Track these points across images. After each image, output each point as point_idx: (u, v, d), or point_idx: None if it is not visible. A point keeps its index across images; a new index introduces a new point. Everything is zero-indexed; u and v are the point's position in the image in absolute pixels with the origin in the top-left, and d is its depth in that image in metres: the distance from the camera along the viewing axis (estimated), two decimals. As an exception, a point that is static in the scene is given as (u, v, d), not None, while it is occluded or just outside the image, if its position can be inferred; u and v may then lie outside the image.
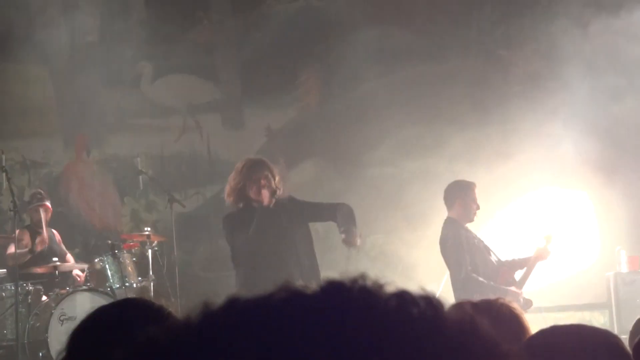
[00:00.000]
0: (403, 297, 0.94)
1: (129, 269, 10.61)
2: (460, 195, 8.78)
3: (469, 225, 8.84)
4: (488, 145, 12.38)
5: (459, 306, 2.43)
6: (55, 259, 10.64)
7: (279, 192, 8.16)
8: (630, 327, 4.09)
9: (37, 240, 10.77)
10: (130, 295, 10.13)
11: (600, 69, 12.27)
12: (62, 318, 9.88)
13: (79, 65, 13.54)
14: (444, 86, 13.02)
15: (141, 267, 10.78)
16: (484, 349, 0.94)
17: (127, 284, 10.44)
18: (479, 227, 9.39)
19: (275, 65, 13.56)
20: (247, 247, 8.05)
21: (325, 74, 13.57)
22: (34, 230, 10.96)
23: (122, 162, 13.39)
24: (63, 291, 10.21)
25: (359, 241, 8.05)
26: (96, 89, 13.45)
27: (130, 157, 12.84)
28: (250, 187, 8.11)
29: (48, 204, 11.03)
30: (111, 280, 10.48)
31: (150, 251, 10.73)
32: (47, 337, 9.81)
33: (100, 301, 9.40)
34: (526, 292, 8.69)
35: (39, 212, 10.92)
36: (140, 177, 12.09)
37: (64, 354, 2.33)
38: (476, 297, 8.11)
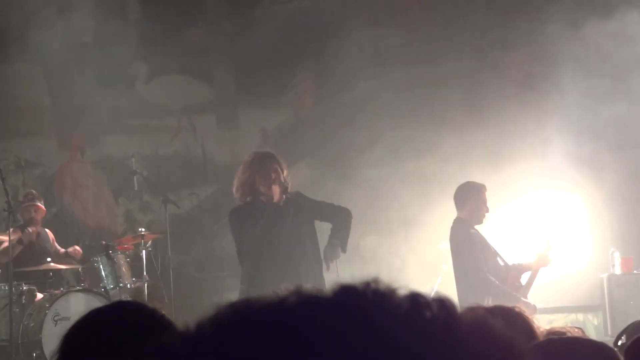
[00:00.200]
0: (416, 300, 0.95)
1: (123, 269, 10.60)
2: (472, 197, 8.78)
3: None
4: (482, 147, 12.39)
5: (471, 309, 2.43)
6: (48, 259, 10.63)
7: (288, 186, 8.15)
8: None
9: (24, 233, 10.75)
10: (125, 295, 10.14)
11: (594, 70, 12.28)
12: (56, 318, 9.87)
13: (73, 65, 13.52)
14: (438, 88, 13.03)
15: (135, 267, 10.78)
16: (499, 350, 0.94)
17: (121, 285, 10.44)
18: (485, 229, 9.40)
19: (270, 66, 13.55)
20: (254, 241, 8.02)
21: (320, 75, 13.57)
22: (26, 229, 10.96)
23: (117, 163, 13.37)
24: (57, 291, 10.20)
25: (337, 256, 8.14)
26: (91, 89, 13.43)
27: (125, 158, 12.83)
28: (260, 181, 8.08)
29: (39, 204, 11.04)
30: (105, 281, 10.48)
31: (144, 252, 10.73)
32: (41, 338, 9.80)
33: (94, 302, 9.41)
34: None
35: (30, 211, 10.96)
36: (135, 177, 12.09)
37: (57, 356, 2.33)
38: (487, 301, 8.15)
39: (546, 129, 12.36)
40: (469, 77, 13.00)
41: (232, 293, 11.01)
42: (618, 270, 11.15)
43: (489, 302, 8.35)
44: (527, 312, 2.93)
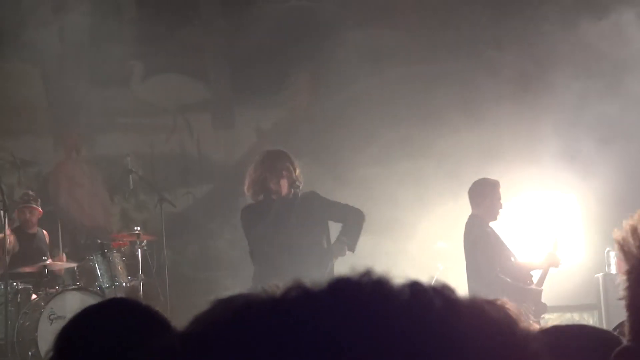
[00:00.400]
0: (415, 287, 0.94)
1: (119, 268, 10.60)
2: (488, 193, 8.78)
3: None
4: (478, 146, 12.40)
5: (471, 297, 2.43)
6: (44, 257, 10.64)
7: (300, 184, 8.13)
8: (619, 328, 4.10)
9: (9, 241, 10.75)
10: (120, 294, 10.13)
11: (589, 70, 12.30)
12: (51, 317, 9.87)
13: (69, 64, 13.51)
14: (434, 87, 13.03)
15: (131, 266, 10.77)
16: (501, 336, 0.94)
17: (116, 284, 10.43)
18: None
19: (266, 65, 13.55)
20: (263, 238, 7.98)
21: (316, 74, 13.57)
22: (22, 231, 10.97)
23: (112, 162, 13.35)
24: (52, 290, 10.20)
25: (343, 254, 8.16)
26: (86, 88, 13.42)
27: (120, 157, 12.80)
28: (271, 179, 8.06)
29: (35, 205, 11.04)
30: (101, 280, 10.47)
31: (139, 251, 10.73)
32: (37, 336, 9.80)
33: (90, 300, 9.39)
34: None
35: (25, 213, 10.98)
36: (130, 176, 12.06)
37: (51, 353, 2.34)
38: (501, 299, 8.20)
39: (541, 128, 12.37)
40: (464, 76, 13.00)
41: (227, 292, 11.00)
42: (614, 270, 11.16)
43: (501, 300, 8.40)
44: (512, 306, 2.91)
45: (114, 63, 13.32)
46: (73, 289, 10.24)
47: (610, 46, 12.11)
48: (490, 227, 8.75)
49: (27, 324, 10.01)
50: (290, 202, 8.06)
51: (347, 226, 8.30)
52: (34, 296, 10.30)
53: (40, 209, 11.11)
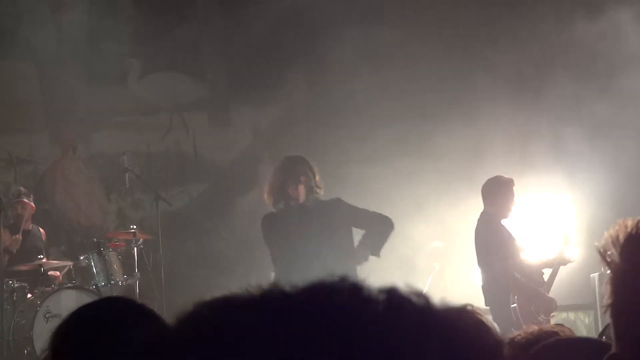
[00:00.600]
0: (391, 294, 0.95)
1: (115, 266, 10.59)
2: (502, 191, 8.79)
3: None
4: (474, 145, 12.41)
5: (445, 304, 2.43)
6: (40, 256, 10.63)
7: (319, 191, 8.05)
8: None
9: (12, 240, 10.73)
10: (116, 293, 10.13)
11: (585, 69, 12.31)
12: (47, 315, 9.86)
13: (65, 61, 13.50)
14: (430, 86, 13.03)
15: (127, 265, 10.77)
16: (474, 342, 0.94)
17: (112, 282, 10.43)
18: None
19: (262, 64, 13.55)
20: (283, 247, 7.90)
21: (312, 72, 13.57)
22: (16, 227, 10.95)
23: (109, 160, 13.35)
24: (48, 289, 10.19)
25: (365, 259, 8.08)
26: (83, 86, 13.42)
27: (117, 155, 12.79)
28: (289, 185, 7.99)
29: (27, 200, 11.00)
30: (97, 278, 10.46)
31: (135, 249, 10.73)
32: (32, 335, 9.79)
33: (86, 299, 9.38)
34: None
35: (17, 208, 10.93)
36: (127, 174, 12.06)
37: (46, 352, 2.34)
38: (513, 296, 8.21)
39: (536, 128, 12.38)
40: (460, 76, 13.01)
41: (222, 291, 10.99)
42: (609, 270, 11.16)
43: (514, 298, 8.44)
44: (483, 312, 2.90)
45: (111, 61, 13.32)
46: (69, 288, 10.22)
47: (605, 45, 12.12)
48: (503, 225, 8.77)
49: (23, 322, 10.00)
50: (310, 208, 7.97)
51: (371, 231, 8.18)
52: (29, 295, 10.29)
53: (32, 204, 11.07)
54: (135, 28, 13.47)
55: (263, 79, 13.52)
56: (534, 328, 2.60)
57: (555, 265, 8.87)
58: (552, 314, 9.02)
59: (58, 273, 10.76)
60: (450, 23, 13.29)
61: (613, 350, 1.76)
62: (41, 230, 11.26)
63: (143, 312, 2.34)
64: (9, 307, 10.07)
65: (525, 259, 8.82)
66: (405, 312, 0.93)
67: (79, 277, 10.57)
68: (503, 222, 8.87)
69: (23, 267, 10.48)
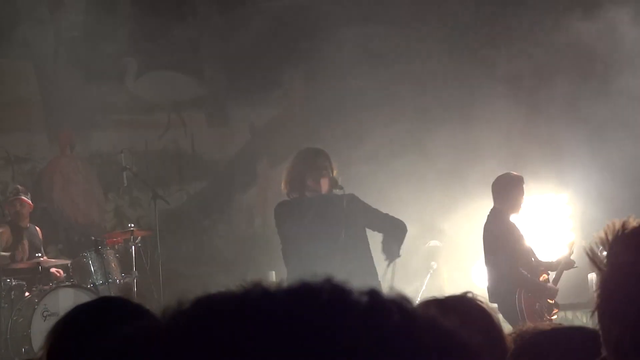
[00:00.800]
0: (373, 297, 0.95)
1: (112, 265, 10.59)
2: (513, 188, 8.83)
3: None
4: (472, 144, 12.41)
5: (425, 305, 2.43)
6: (38, 254, 10.63)
7: (340, 185, 8.01)
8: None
9: (18, 249, 10.74)
10: (113, 291, 10.14)
11: (583, 69, 12.31)
12: (45, 314, 9.86)
13: (63, 60, 13.50)
14: (428, 85, 13.04)
15: (124, 263, 10.77)
16: (454, 349, 0.95)
17: (110, 280, 10.42)
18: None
19: (260, 63, 13.56)
20: (300, 237, 7.77)
21: (310, 71, 13.58)
22: (15, 224, 10.95)
23: (106, 158, 13.36)
24: (46, 287, 10.19)
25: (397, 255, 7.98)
26: (81, 84, 13.41)
27: (115, 153, 12.81)
28: (310, 175, 7.95)
29: (24, 197, 11.00)
30: (94, 277, 10.46)
31: (133, 247, 10.73)
32: (30, 333, 9.80)
33: (83, 297, 9.40)
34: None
35: (15, 205, 10.94)
36: (124, 173, 12.06)
37: (43, 351, 2.35)
38: (519, 293, 8.25)
39: (534, 127, 12.38)
40: (458, 75, 13.01)
41: (220, 289, 10.99)
42: (606, 269, 11.18)
43: (520, 295, 8.48)
44: (486, 302, 2.88)
45: (109, 60, 13.31)
46: (66, 286, 10.23)
47: (603, 45, 12.12)
48: (513, 223, 8.80)
49: (21, 320, 10.01)
50: (330, 203, 7.92)
51: (388, 237, 8.03)
52: (27, 293, 10.30)
53: (30, 201, 11.07)
54: (133, 27, 13.47)
55: (261, 78, 13.52)
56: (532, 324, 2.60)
57: (560, 270, 8.93)
58: (554, 312, 9.08)
59: (61, 271, 10.77)
60: (448, 22, 13.30)
61: (603, 354, 1.76)
62: (37, 229, 11.26)
63: (139, 312, 2.35)
64: (6, 305, 10.09)
65: (533, 258, 8.87)
66: (386, 315, 0.93)
67: (76, 276, 10.56)
68: (513, 220, 8.90)
69: (21, 265, 10.49)
